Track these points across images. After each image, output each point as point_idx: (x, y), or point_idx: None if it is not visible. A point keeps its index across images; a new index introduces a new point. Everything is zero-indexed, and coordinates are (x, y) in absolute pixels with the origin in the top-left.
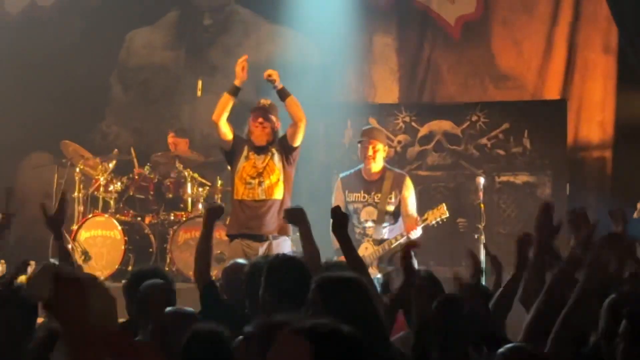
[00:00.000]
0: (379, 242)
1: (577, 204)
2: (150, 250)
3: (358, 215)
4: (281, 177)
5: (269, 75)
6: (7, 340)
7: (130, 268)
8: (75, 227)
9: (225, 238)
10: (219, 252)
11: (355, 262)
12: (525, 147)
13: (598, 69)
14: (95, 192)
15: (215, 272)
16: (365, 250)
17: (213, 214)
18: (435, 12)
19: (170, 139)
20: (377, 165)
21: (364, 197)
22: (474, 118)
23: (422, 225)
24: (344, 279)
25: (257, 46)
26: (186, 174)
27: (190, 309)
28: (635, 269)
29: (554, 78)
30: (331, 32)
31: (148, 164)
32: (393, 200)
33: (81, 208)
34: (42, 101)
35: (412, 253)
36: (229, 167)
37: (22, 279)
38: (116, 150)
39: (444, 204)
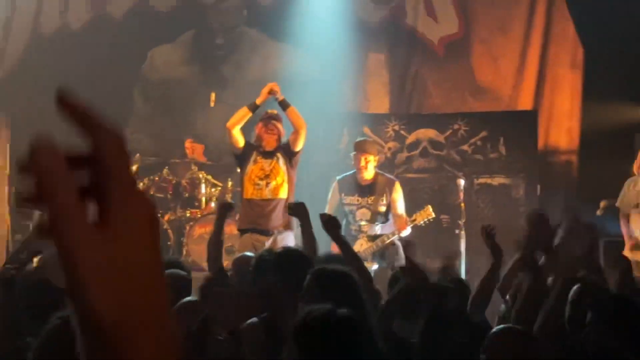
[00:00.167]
0: (373, 238)
1: (548, 203)
2: (169, 243)
3: (353, 215)
4: (285, 179)
5: (272, 89)
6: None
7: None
8: None
9: (236, 232)
10: (229, 244)
11: (352, 258)
12: (501, 152)
13: (565, 83)
14: None
15: (226, 263)
16: (361, 246)
17: (224, 210)
18: (421, 33)
19: (188, 144)
20: (369, 173)
21: (358, 201)
22: (456, 127)
23: (412, 225)
24: (336, 271)
25: (264, 62)
26: (200, 175)
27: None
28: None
29: (527, 91)
30: (329, 50)
31: (167, 167)
32: (384, 202)
33: None
34: None
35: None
36: (238, 170)
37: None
38: (138, 154)
39: (429, 206)
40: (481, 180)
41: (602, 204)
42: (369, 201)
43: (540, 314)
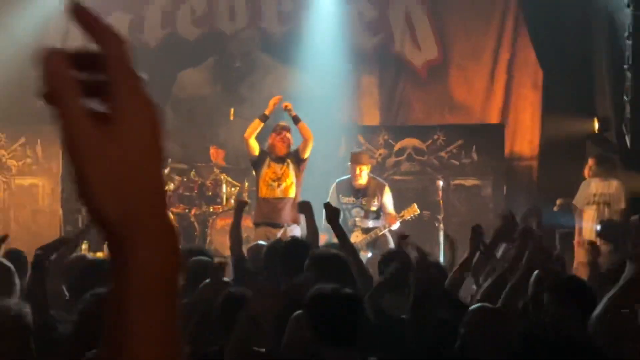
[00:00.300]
0: (367, 231)
1: (512, 201)
2: (195, 234)
3: (350, 212)
4: (294, 181)
5: (287, 107)
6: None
7: (180, 247)
8: None
9: (251, 225)
10: (245, 235)
11: (348, 247)
12: (473, 158)
13: (527, 101)
14: None
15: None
16: (356, 237)
17: (241, 206)
18: (407, 58)
19: (212, 150)
20: (362, 179)
21: (354, 201)
22: (436, 137)
23: (400, 220)
24: (330, 254)
25: (275, 83)
26: (222, 177)
27: (226, 279)
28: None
29: (495, 107)
30: (329, 72)
31: (193, 170)
32: (376, 202)
33: None
34: None
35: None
36: (254, 173)
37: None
38: (170, 159)
39: (415, 204)
40: (456, 182)
41: (558, 202)
42: (363, 201)
43: (503, 294)
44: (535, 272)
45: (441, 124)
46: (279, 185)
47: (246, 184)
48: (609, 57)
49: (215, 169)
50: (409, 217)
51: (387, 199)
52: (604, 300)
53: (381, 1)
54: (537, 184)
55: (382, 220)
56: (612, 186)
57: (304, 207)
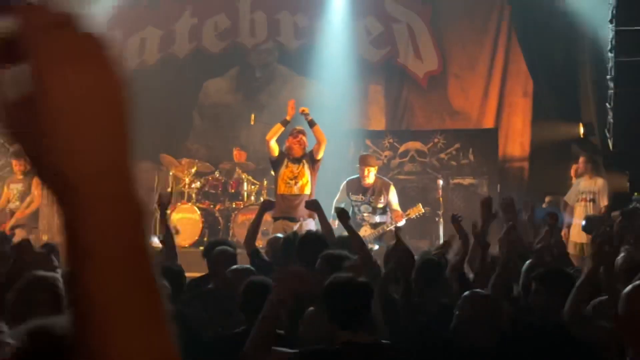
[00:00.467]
0: (375, 226)
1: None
2: (219, 227)
3: (359, 208)
4: (309, 180)
5: (303, 111)
6: None
7: (205, 239)
8: (169, 211)
9: (270, 219)
10: (265, 229)
11: (358, 242)
12: (470, 159)
13: (519, 107)
14: (182, 188)
15: (261, 243)
16: (365, 232)
17: (266, 207)
18: (410, 69)
19: (235, 151)
20: (370, 179)
21: (362, 198)
22: (436, 140)
23: (406, 218)
24: (338, 255)
25: (291, 91)
26: (243, 176)
27: (247, 266)
28: (547, 243)
29: (490, 114)
30: (340, 82)
31: (218, 169)
32: (382, 200)
33: (172, 199)
34: (149, 127)
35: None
36: (272, 172)
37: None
38: (197, 160)
39: (420, 204)
40: (455, 181)
41: (547, 199)
42: (371, 199)
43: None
44: (528, 261)
45: (441, 128)
46: (295, 183)
47: (265, 182)
48: (593, 68)
49: (237, 169)
50: (414, 216)
51: (393, 196)
52: (571, 294)
53: (387, 18)
54: (528, 183)
55: (389, 216)
56: (598, 184)
57: (311, 205)
